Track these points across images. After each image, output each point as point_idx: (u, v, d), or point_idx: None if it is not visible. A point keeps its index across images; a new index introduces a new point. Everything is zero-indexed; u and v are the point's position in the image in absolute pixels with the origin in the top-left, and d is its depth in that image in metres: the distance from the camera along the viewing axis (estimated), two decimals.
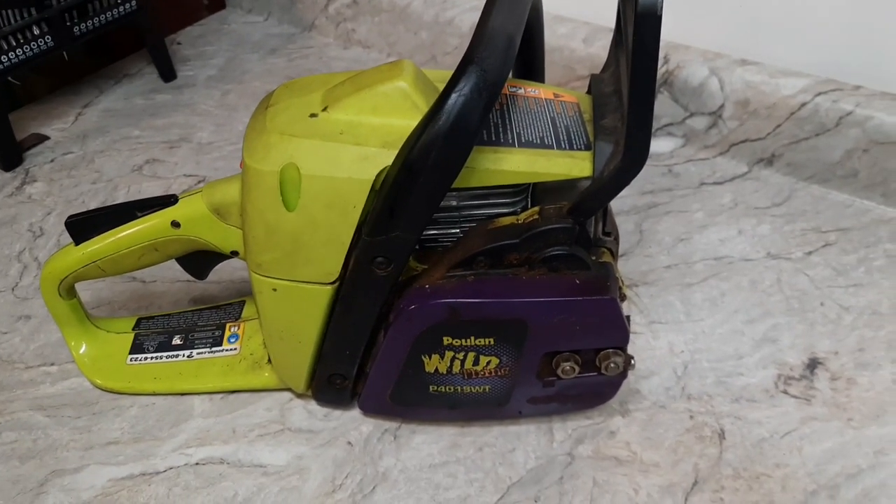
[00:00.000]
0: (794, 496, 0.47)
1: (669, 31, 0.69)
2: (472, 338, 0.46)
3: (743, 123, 0.71)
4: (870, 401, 0.52)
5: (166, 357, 0.56)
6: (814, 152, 0.69)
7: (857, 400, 0.52)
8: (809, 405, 0.52)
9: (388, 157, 0.42)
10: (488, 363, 0.47)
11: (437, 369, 0.48)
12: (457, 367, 0.48)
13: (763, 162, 0.72)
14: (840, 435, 0.50)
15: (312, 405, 0.54)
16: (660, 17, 0.37)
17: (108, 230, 0.51)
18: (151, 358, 0.56)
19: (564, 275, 0.45)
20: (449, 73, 0.50)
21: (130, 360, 0.56)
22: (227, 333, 0.57)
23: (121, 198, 0.75)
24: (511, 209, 0.47)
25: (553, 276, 0.45)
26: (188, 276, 0.62)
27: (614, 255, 0.49)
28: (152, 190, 0.76)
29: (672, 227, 0.67)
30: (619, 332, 0.46)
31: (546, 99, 0.49)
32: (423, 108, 0.43)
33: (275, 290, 0.47)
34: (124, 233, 0.50)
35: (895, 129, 0.63)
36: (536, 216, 0.45)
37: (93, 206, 0.74)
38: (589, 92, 0.52)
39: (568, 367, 0.47)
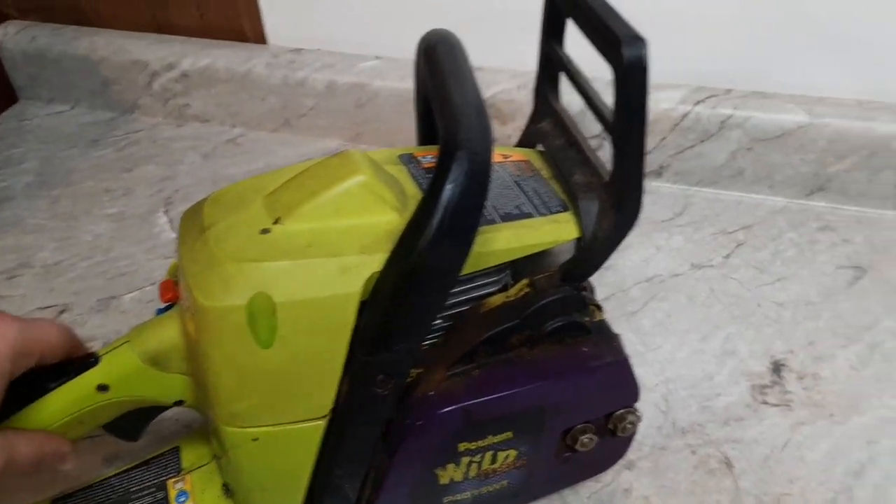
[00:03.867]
0: None
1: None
2: (490, 437, 0.42)
3: None
4: (840, 393, 0.54)
5: None
6: (700, 158, 0.71)
7: (829, 394, 0.54)
8: (791, 410, 0.53)
9: (372, 263, 0.36)
10: (506, 457, 0.43)
11: (452, 479, 0.43)
12: (474, 472, 0.43)
13: (653, 174, 0.73)
14: (829, 434, 0.51)
15: None
16: (646, 69, 0.35)
17: (13, 413, 0.41)
18: None
19: (570, 346, 0.42)
20: (388, 152, 0.46)
21: None
22: (171, 493, 0.48)
23: None
24: (496, 287, 0.43)
25: (560, 349, 0.42)
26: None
27: (601, 309, 0.46)
28: None
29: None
30: (632, 390, 0.44)
31: (498, 162, 0.46)
32: (391, 199, 0.38)
33: (256, 439, 0.40)
34: (38, 413, 0.41)
35: (772, 124, 0.67)
36: (527, 289, 0.42)
37: None
38: (523, 145, 0.50)
39: (587, 439, 0.44)
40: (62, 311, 0.65)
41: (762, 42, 0.67)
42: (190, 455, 0.50)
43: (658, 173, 0.73)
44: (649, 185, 0.73)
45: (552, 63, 0.48)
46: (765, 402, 0.53)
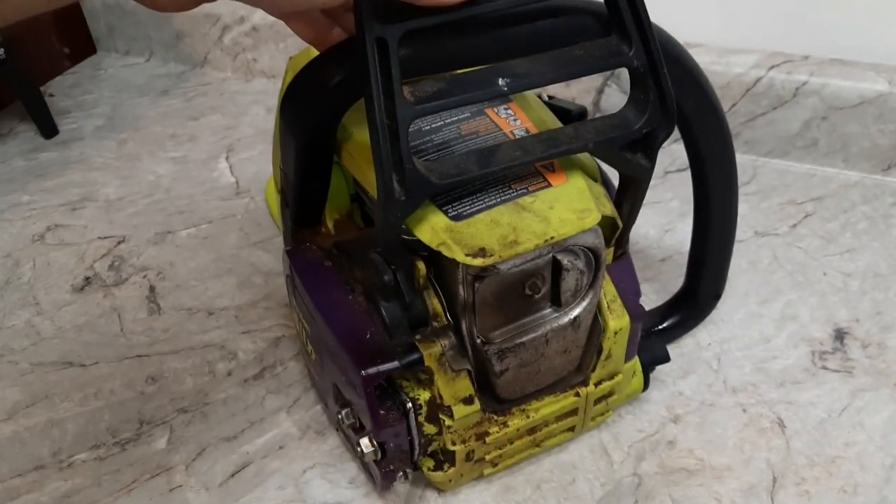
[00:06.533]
0: (875, 473, 0.44)
1: None
2: None
3: None
4: None
5: None
6: (771, 126, 0.68)
7: (894, 363, 0.51)
8: (852, 377, 0.50)
9: None
10: None
11: None
12: None
13: None
14: (893, 401, 0.48)
15: (331, 473, 0.46)
16: None
17: None
18: None
19: None
20: None
21: None
22: None
23: (26, 274, 0.64)
24: None
25: None
26: (137, 351, 0.53)
27: None
28: (62, 260, 0.65)
29: (653, 219, 0.64)
30: None
31: None
32: None
33: None
34: None
35: (851, 92, 0.64)
36: None
37: None
38: None
39: None
40: (119, 242, 0.67)
41: (842, 8, 0.64)
42: None
43: None
44: None
45: None
46: (824, 368, 0.51)
